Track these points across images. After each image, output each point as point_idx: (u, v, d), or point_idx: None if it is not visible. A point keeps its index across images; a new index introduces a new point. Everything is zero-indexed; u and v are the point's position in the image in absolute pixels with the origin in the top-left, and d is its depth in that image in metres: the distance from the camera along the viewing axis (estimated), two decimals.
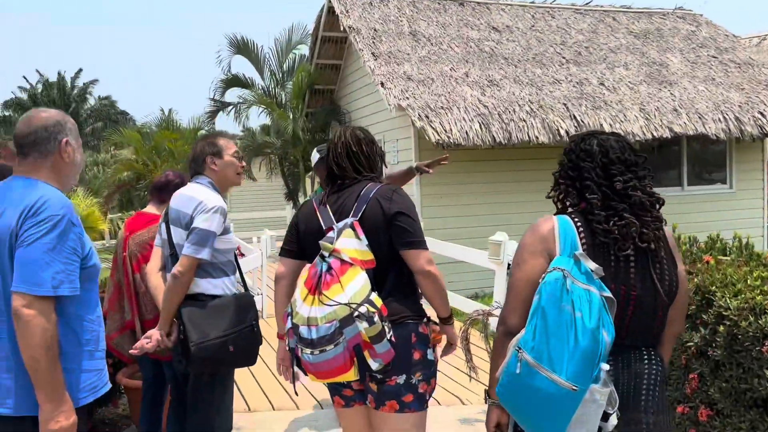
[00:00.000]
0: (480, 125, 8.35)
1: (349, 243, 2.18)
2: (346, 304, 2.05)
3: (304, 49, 13.11)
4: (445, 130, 8.11)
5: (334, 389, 2.39)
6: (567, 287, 1.70)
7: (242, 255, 8.28)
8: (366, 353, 2.10)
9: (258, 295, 7.55)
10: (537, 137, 8.42)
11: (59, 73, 35.66)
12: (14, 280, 1.87)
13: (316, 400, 4.64)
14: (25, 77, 46.61)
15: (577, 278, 1.72)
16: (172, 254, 2.80)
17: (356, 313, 2.04)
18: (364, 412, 2.38)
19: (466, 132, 8.21)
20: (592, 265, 1.75)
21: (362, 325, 2.04)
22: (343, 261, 2.14)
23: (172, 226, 2.83)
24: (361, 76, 10.61)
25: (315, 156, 3.77)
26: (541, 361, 1.68)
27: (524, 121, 8.60)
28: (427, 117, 8.25)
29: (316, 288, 2.12)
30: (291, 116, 12.67)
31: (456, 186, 8.78)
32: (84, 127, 35.66)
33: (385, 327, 2.10)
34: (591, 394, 1.67)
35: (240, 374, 5.02)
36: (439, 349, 2.47)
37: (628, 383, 1.86)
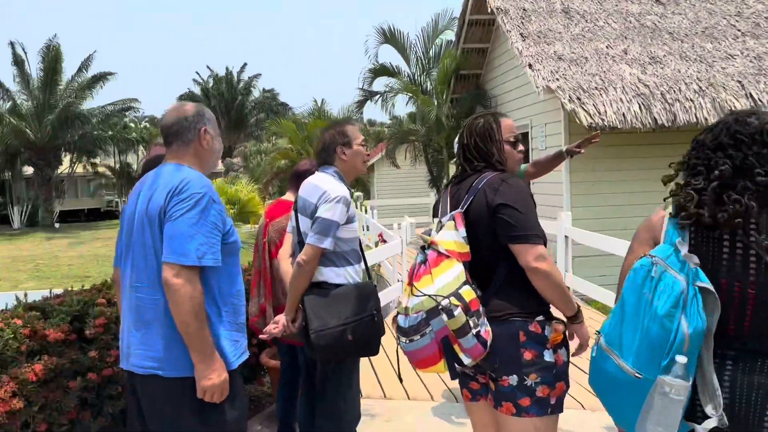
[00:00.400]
0: (639, 106, 7.69)
1: (447, 235, 2.15)
2: (431, 296, 2.03)
3: (450, 35, 12.99)
4: (599, 113, 7.57)
5: (463, 382, 2.33)
6: (652, 274, 1.66)
7: (384, 241, 8.37)
8: (455, 347, 2.06)
9: (398, 281, 7.58)
10: (707, 118, 7.59)
11: (227, 68, 38.65)
12: (164, 252, 2.06)
13: (451, 392, 4.54)
14: (197, 72, 51.09)
15: (672, 266, 1.66)
16: (300, 242, 2.86)
17: (440, 306, 2.02)
18: (490, 408, 2.27)
19: (623, 114, 7.59)
20: (683, 251, 1.68)
21: (444, 318, 2.02)
22: (439, 253, 2.12)
23: (299, 215, 2.89)
24: (508, 58, 10.25)
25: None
26: (612, 346, 1.72)
27: (691, 101, 7.79)
28: (578, 99, 7.74)
29: (411, 279, 2.15)
30: (435, 102, 12.59)
31: (610, 173, 8.18)
32: (249, 119, 38.38)
33: (470, 322, 2.02)
34: (660, 386, 1.62)
35: (378, 362, 5.07)
36: (572, 349, 2.29)
37: (747, 393, 1.67)
